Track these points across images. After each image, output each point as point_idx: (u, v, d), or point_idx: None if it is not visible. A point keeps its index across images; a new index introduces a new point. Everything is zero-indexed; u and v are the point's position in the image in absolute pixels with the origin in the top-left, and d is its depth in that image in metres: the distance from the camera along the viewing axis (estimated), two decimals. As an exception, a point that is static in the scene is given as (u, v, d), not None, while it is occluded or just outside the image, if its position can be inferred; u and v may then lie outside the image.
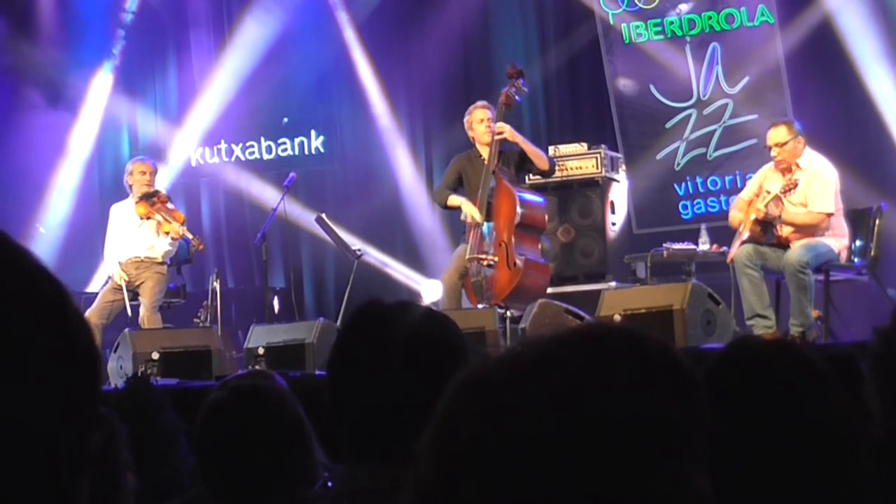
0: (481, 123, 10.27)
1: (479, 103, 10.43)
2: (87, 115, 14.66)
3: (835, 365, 3.63)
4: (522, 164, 10.38)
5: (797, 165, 9.34)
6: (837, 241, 9.35)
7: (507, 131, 10.17)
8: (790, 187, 9.13)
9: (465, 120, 10.46)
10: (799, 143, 9.34)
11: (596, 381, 1.18)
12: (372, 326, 2.35)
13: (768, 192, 9.31)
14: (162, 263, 10.77)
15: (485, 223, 10.06)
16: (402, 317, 2.36)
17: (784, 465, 2.00)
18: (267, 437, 3.16)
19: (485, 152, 10.23)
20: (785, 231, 9.29)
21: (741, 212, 9.50)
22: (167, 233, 10.70)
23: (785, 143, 9.34)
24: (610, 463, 1.15)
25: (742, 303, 9.29)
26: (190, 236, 10.86)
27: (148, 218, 10.78)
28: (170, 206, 10.88)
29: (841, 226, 9.42)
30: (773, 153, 9.44)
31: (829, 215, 9.25)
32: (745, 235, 9.35)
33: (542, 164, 10.30)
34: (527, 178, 10.84)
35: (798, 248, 9.11)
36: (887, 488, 2.16)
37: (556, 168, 10.76)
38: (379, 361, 2.27)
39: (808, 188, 9.25)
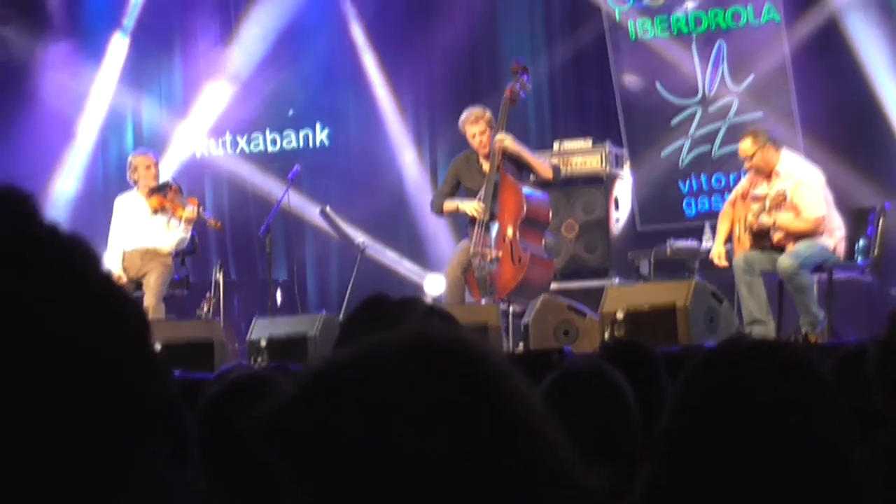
0: (473, 139, 10.24)
1: (470, 115, 10.29)
2: (91, 105, 14.66)
3: (838, 364, 3.63)
4: (524, 163, 10.36)
5: (776, 173, 9.37)
6: (832, 236, 9.36)
7: (509, 143, 10.14)
8: (778, 202, 9.17)
9: (459, 124, 10.42)
10: (767, 152, 9.38)
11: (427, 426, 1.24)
12: (375, 321, 2.35)
13: (755, 199, 9.34)
14: (167, 255, 10.77)
15: (490, 220, 10.05)
16: (407, 313, 2.35)
17: (775, 469, 1.99)
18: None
19: (484, 159, 10.24)
20: (780, 235, 9.31)
21: (727, 219, 9.58)
22: (186, 218, 10.69)
23: (752, 156, 9.42)
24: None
25: (741, 308, 9.32)
26: (206, 217, 10.98)
27: (162, 208, 10.78)
28: (181, 195, 10.93)
29: (835, 219, 9.44)
30: (745, 164, 9.54)
31: (821, 219, 9.27)
32: (746, 244, 9.39)
33: (546, 172, 10.29)
34: (530, 174, 10.82)
35: (789, 254, 9.14)
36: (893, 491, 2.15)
37: (560, 174, 10.70)
38: None
39: (794, 194, 9.27)
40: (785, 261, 9.08)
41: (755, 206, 9.29)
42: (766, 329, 9.12)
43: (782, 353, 2.11)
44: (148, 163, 10.93)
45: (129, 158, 11.18)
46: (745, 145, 9.48)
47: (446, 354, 1.29)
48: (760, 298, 9.21)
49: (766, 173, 9.41)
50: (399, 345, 1.30)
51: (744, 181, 9.74)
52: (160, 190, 10.82)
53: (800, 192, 9.27)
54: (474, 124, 10.22)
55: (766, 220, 9.23)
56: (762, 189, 9.37)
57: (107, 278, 1.31)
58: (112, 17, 14.75)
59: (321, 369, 1.31)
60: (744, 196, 9.50)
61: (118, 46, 14.69)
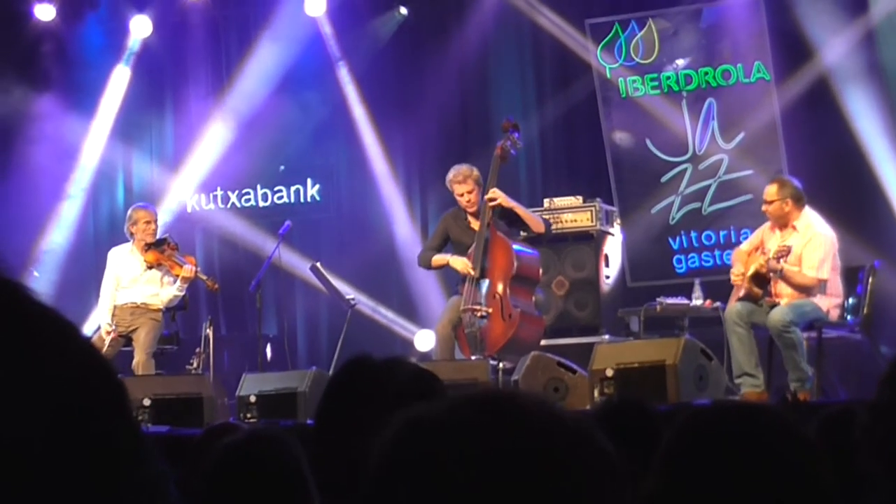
0: (462, 197, 10.26)
1: (458, 174, 10.30)
2: (83, 159, 14.68)
3: (825, 423, 3.64)
4: (516, 218, 10.37)
5: (794, 227, 9.36)
6: (828, 300, 9.34)
7: (501, 198, 10.15)
8: (782, 254, 9.14)
9: (446, 182, 10.43)
10: (786, 206, 9.35)
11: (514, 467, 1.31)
12: (359, 382, 2.34)
13: (768, 250, 9.32)
14: (157, 310, 10.76)
15: (480, 277, 10.06)
16: (391, 373, 2.34)
17: None
18: (268, 487, 3.11)
19: (472, 217, 10.26)
20: (779, 289, 9.29)
21: (741, 262, 9.51)
22: (183, 277, 10.72)
23: (771, 202, 9.40)
24: None
25: (731, 361, 9.29)
26: (203, 277, 11.01)
27: (158, 264, 10.78)
28: (178, 253, 10.94)
29: (836, 286, 9.42)
30: (763, 207, 9.51)
31: (821, 281, 9.25)
32: (742, 293, 9.35)
33: (538, 227, 10.31)
34: (521, 231, 10.85)
35: (781, 308, 9.11)
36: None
37: (552, 227, 10.71)
38: (365, 417, 2.26)
39: (803, 249, 9.26)
40: (776, 315, 9.06)
41: (761, 260, 9.27)
42: (754, 382, 9.10)
43: (764, 418, 2.09)
44: (149, 218, 10.94)
45: (130, 211, 11.18)
46: (771, 190, 9.46)
47: (531, 412, 1.35)
48: (751, 351, 9.18)
49: (781, 224, 9.40)
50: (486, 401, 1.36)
51: (759, 233, 9.69)
52: (157, 245, 10.83)
53: (809, 247, 9.27)
54: (462, 184, 10.23)
55: (775, 264, 9.17)
56: (773, 243, 9.36)
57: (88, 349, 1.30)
58: (105, 71, 14.79)
59: (420, 416, 1.39)
60: (756, 248, 9.49)
61: (112, 98, 14.73)
